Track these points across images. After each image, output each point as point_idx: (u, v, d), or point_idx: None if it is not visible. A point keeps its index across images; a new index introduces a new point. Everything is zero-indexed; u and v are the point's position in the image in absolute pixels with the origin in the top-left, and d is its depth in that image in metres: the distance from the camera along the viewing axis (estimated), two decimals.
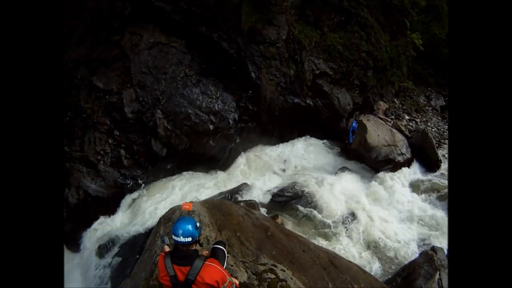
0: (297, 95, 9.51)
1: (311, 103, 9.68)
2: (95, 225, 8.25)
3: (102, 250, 7.65)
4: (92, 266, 7.57)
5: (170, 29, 8.87)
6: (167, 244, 2.67)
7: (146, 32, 8.78)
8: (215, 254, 2.54)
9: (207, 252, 2.67)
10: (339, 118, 10.24)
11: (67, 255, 8.74)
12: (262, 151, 9.39)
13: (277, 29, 9.34)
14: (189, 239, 2.12)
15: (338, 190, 8.14)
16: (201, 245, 2.42)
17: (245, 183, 8.30)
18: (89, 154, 8.23)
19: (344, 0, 10.17)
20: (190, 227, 2.14)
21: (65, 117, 8.43)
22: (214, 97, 8.47)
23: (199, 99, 8.32)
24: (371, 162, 9.01)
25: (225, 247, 2.71)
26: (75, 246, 8.44)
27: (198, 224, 2.23)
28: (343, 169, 8.96)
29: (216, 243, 2.76)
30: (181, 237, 2.10)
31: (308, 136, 10.01)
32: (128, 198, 8.41)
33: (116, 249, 7.50)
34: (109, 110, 8.36)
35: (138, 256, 6.71)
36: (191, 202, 2.46)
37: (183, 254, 2.15)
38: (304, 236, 5.94)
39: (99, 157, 8.31)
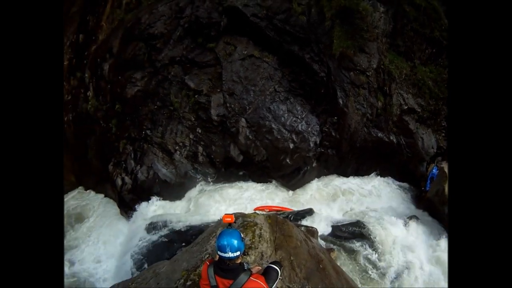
0: (382, 129, 8.89)
1: (394, 140, 8.97)
2: (154, 203, 8.69)
3: (152, 227, 8.00)
4: (137, 237, 7.94)
5: (263, 44, 8.96)
6: None
7: (240, 44, 8.95)
8: (267, 273, 2.36)
9: (259, 267, 2.60)
10: (420, 161, 9.35)
11: (118, 217, 9.42)
12: (335, 181, 8.89)
13: (368, 57, 8.97)
14: (237, 253, 2.08)
15: (401, 240, 7.61)
16: (244, 254, 2.37)
17: (311, 209, 8.10)
18: (168, 142, 8.59)
19: (435, 30, 9.54)
20: (236, 242, 2.08)
21: (154, 105, 8.93)
22: (299, 117, 8.22)
23: (284, 116, 8.13)
24: (444, 219, 8.02)
25: (280, 269, 2.50)
26: (128, 214, 8.97)
27: (242, 235, 2.20)
28: (412, 218, 8.19)
29: (272, 262, 2.59)
30: (229, 253, 2.04)
31: (384, 175, 9.27)
32: (193, 191, 8.74)
33: (165, 231, 7.80)
34: (196, 109, 8.63)
35: (183, 244, 7.10)
36: (232, 214, 2.31)
37: (227, 268, 2.09)
38: (352, 277, 5.81)
39: (177, 147, 8.62)
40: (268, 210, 7.81)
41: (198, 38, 9.14)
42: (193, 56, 8.94)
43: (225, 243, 2.04)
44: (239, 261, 2.15)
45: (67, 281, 8.98)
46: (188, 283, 3.34)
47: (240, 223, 3.92)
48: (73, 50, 11.67)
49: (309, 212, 7.93)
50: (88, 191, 11.11)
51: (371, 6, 8.69)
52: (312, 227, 7.05)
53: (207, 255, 3.60)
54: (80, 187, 11.42)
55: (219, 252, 2.07)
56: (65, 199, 11.62)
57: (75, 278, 8.82)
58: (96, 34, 11.30)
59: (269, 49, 8.89)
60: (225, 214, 2.33)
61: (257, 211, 7.56)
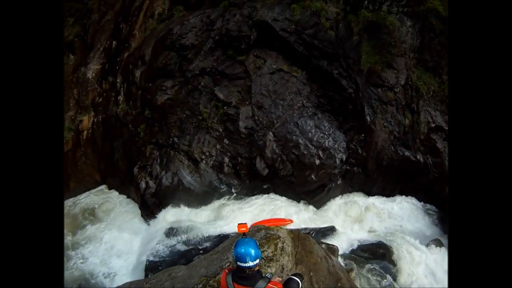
0: (408, 147, 8.74)
1: (421, 159, 8.77)
2: (176, 209, 8.85)
3: (171, 231, 8.15)
4: (155, 240, 8.13)
5: (292, 59, 9.07)
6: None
7: (270, 58, 9.10)
8: (288, 283, 2.39)
9: (280, 279, 2.60)
10: (447, 181, 9.13)
11: (138, 219, 9.61)
12: (359, 199, 8.75)
13: (396, 73, 8.89)
14: (256, 261, 2.10)
15: (424, 265, 7.38)
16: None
17: (333, 226, 8.04)
18: (195, 151, 8.75)
19: None
20: (254, 251, 2.10)
21: (183, 113, 9.16)
22: (327, 133, 8.22)
23: (312, 131, 8.15)
24: None
25: (301, 282, 2.50)
26: (149, 217, 9.14)
27: (257, 242, 2.23)
28: (436, 241, 7.94)
29: (294, 274, 2.61)
30: (249, 262, 2.07)
31: (409, 195, 9.04)
32: (216, 201, 8.85)
33: (184, 237, 7.95)
34: (224, 120, 8.75)
35: (201, 251, 7.22)
36: (245, 223, 2.31)
37: (246, 275, 2.13)
38: None
39: (203, 156, 8.77)
40: (267, 225, 7.83)
41: (229, 51, 9.35)
42: (223, 68, 9.15)
43: (244, 252, 2.07)
44: (257, 268, 2.17)
45: (78, 275, 9.07)
46: None
47: (263, 235, 3.94)
48: (106, 55, 12.21)
49: (331, 229, 7.88)
50: (111, 190, 11.40)
51: (398, 20, 8.65)
52: (333, 245, 7.10)
53: (228, 263, 3.62)
54: (103, 186, 11.76)
55: (238, 263, 2.09)
56: (88, 195, 12.01)
57: (88, 273, 8.93)
58: (129, 41, 11.78)
59: (298, 63, 8.98)
60: (240, 223, 2.32)
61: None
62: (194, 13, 10.47)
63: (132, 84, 10.50)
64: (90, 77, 11.92)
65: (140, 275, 7.54)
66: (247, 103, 8.58)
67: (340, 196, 8.73)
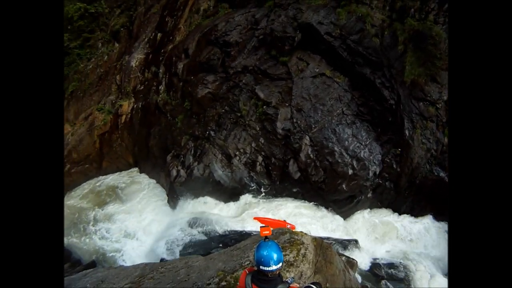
0: (444, 168, 8.45)
1: None
2: (202, 201, 9.09)
3: (194, 221, 8.34)
4: (177, 227, 8.34)
5: (335, 64, 9.01)
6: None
7: (313, 61, 9.11)
8: None
9: (298, 286, 2.54)
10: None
11: (164, 204, 9.91)
12: (387, 216, 8.48)
13: (439, 88, 8.55)
14: (279, 265, 2.08)
15: None
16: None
17: (355, 240, 7.90)
18: (230, 146, 8.87)
19: None
20: (277, 255, 2.07)
21: (222, 108, 9.34)
22: (363, 143, 8.13)
23: (348, 140, 8.09)
24: None
25: None
26: (175, 204, 9.41)
27: (280, 246, 2.20)
28: None
29: (313, 283, 2.56)
30: (273, 266, 2.04)
31: (439, 219, 8.54)
32: (244, 198, 8.90)
33: (205, 229, 8.14)
34: (262, 119, 8.81)
35: (220, 245, 7.40)
36: (268, 226, 2.27)
37: (267, 279, 2.10)
38: None
39: (237, 152, 8.86)
40: (266, 224, 7.66)
41: (272, 51, 9.42)
42: (265, 67, 9.24)
43: (267, 256, 2.04)
44: (278, 272, 2.14)
45: (94, 249, 9.24)
46: (223, 283, 3.36)
47: (287, 239, 3.92)
48: (150, 46, 12.77)
49: (353, 242, 7.77)
50: (142, 174, 11.93)
51: (444, 31, 8.28)
52: (353, 259, 6.99)
53: (248, 262, 3.62)
54: (135, 169, 12.34)
55: (261, 267, 2.04)
56: (119, 175, 12.63)
57: (104, 249, 9.22)
58: (174, 34, 12.24)
59: (341, 69, 8.89)
60: (262, 226, 2.28)
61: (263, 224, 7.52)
62: (239, 11, 10.68)
63: (174, 76, 10.88)
64: (134, 66, 12.54)
65: (155, 259, 7.71)
66: (287, 104, 8.58)
67: (368, 210, 8.52)
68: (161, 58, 11.76)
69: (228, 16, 10.77)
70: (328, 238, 7.68)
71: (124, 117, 12.02)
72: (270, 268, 2.04)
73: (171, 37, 12.16)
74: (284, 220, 7.68)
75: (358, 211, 8.47)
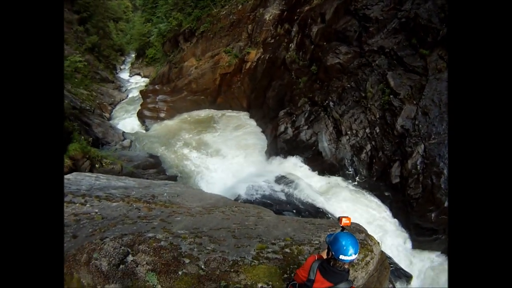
0: None
1: None
2: (298, 164, 9.43)
3: (282, 179, 8.66)
4: (264, 177, 8.78)
5: None
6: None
7: None
8: None
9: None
10: None
11: (261, 153, 10.57)
12: None
13: None
14: (356, 256, 2.02)
15: None
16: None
17: (411, 275, 7.21)
18: (344, 123, 8.95)
19: None
20: (356, 246, 2.01)
21: (348, 83, 9.40)
22: None
23: None
24: None
25: None
26: (271, 157, 10.16)
27: None
28: None
29: None
30: (353, 255, 1.98)
31: None
32: (336, 178, 8.91)
33: (288, 190, 8.27)
34: (385, 108, 8.40)
35: (294, 211, 7.59)
36: (349, 217, 2.28)
37: (334, 270, 2.03)
38: None
39: (349, 132, 8.83)
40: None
41: (413, 39, 8.81)
42: (402, 54, 8.79)
43: (349, 245, 1.98)
44: (348, 266, 2.07)
45: (180, 169, 9.85)
46: (287, 250, 3.25)
47: (361, 239, 3.73)
48: (286, 3, 13.23)
49: (407, 276, 7.08)
50: (251, 119, 13.59)
51: None
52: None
53: (317, 242, 3.51)
54: (246, 113, 14.21)
55: (342, 256, 1.97)
56: (231, 113, 14.16)
57: (189, 170, 10.22)
58: None
59: None
60: (343, 216, 2.26)
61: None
62: None
63: (306, 37, 11.31)
64: (267, 19, 13.49)
65: (230, 195, 7.78)
66: (414, 102, 7.99)
67: (439, 253, 7.47)
68: (296, 17, 12.22)
69: None
70: (390, 258, 7.07)
71: (249, 64, 13.56)
72: (350, 258, 1.98)
73: None
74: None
75: (431, 251, 7.53)
